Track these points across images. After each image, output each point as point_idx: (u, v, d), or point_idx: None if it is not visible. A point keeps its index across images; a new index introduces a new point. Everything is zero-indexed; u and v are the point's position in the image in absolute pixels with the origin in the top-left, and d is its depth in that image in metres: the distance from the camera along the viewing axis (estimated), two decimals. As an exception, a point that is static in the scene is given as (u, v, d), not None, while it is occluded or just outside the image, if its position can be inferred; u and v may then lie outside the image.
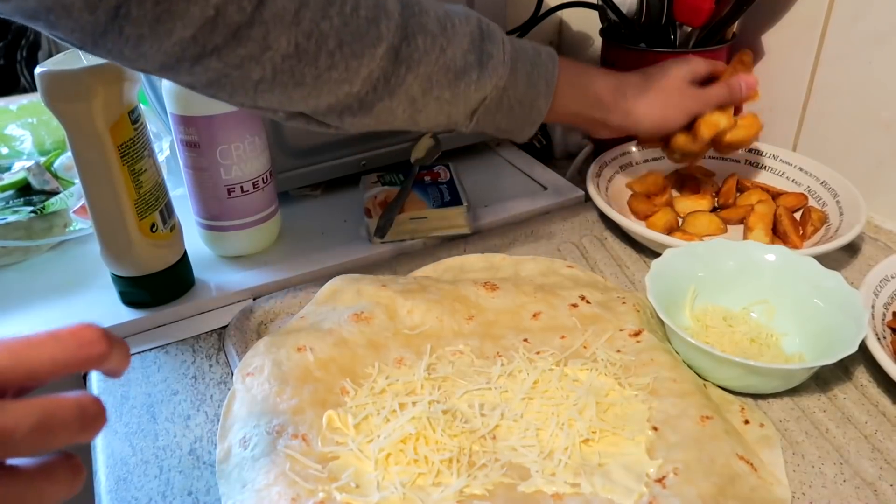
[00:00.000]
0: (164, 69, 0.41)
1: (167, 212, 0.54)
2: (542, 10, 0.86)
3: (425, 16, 0.46)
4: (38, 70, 0.47)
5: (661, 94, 0.58)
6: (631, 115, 0.57)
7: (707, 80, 0.61)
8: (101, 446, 0.44)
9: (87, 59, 0.48)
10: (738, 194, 0.68)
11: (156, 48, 0.39)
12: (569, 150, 0.82)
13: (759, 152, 0.71)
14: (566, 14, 1.00)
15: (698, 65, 0.61)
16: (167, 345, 0.53)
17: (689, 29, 0.70)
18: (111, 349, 0.27)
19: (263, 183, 0.60)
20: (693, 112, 0.59)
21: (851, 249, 0.62)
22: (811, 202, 0.65)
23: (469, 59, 0.48)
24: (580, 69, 0.56)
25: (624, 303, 0.52)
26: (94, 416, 0.26)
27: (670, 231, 0.62)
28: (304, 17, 0.41)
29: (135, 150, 0.50)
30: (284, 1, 0.40)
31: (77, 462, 0.27)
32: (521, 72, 0.51)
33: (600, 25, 0.78)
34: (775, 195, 0.66)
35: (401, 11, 0.45)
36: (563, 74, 0.53)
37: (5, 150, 0.77)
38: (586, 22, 0.97)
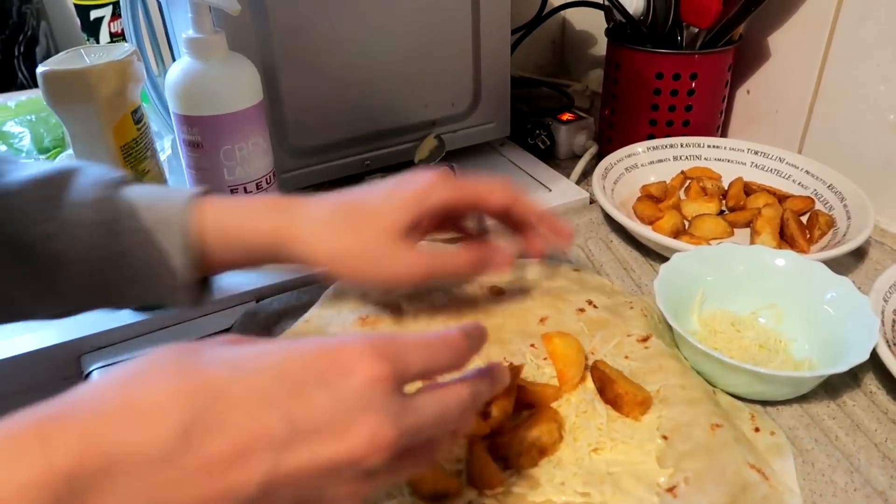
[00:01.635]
0: None
1: (170, 213, 0.54)
2: (547, 10, 0.86)
3: None
4: (39, 69, 0.46)
5: (349, 235, 0.43)
6: (306, 258, 0.43)
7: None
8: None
9: (89, 59, 0.47)
10: (746, 197, 0.67)
11: None
12: (574, 151, 0.81)
13: (765, 154, 0.70)
14: (570, 13, 1.00)
15: (431, 189, 0.44)
16: (170, 347, 0.52)
17: (696, 30, 0.70)
18: (471, 358, 0.31)
19: (267, 184, 0.59)
20: (396, 280, 0.44)
21: (858, 254, 0.61)
22: (818, 206, 0.64)
23: (43, 230, 0.40)
24: (230, 203, 0.44)
25: (631, 307, 0.51)
26: (470, 409, 0.30)
27: (677, 234, 0.61)
28: None
29: (138, 150, 0.50)
30: None
31: (435, 448, 0.30)
32: (128, 232, 0.41)
33: (604, 25, 0.78)
34: (782, 198, 0.65)
35: None
36: (203, 216, 0.42)
37: (3, 148, 0.76)
38: (590, 21, 0.97)
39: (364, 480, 0.26)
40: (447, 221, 0.50)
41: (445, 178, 0.45)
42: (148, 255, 0.40)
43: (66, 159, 0.42)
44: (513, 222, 0.48)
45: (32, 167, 0.41)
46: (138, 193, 0.41)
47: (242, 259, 0.44)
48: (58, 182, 0.40)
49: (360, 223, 0.43)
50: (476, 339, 0.31)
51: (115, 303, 0.43)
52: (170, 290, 0.41)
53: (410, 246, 0.43)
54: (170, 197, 0.42)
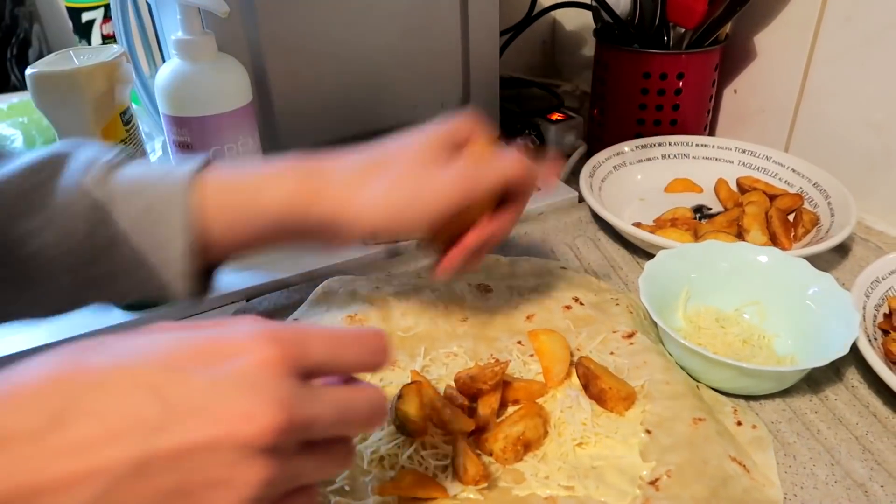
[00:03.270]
0: None
1: (160, 213, 0.54)
2: (536, 10, 0.86)
3: None
4: (28, 71, 0.47)
5: (382, 177, 0.40)
6: (340, 219, 0.39)
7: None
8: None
9: (78, 60, 0.48)
10: (740, 194, 0.68)
11: None
12: (563, 150, 0.82)
13: (752, 153, 0.71)
14: (560, 14, 1.01)
15: (447, 126, 0.42)
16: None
17: (683, 30, 0.71)
18: (388, 361, 0.29)
19: (256, 184, 0.59)
20: (430, 209, 0.39)
21: (842, 250, 0.62)
22: (804, 204, 0.65)
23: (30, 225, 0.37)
24: (237, 170, 0.40)
25: (617, 304, 0.52)
26: (379, 412, 0.28)
27: None
28: None
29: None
30: None
31: (352, 445, 0.29)
32: (126, 210, 0.37)
33: (594, 25, 0.78)
34: (772, 196, 0.66)
35: None
36: (208, 187, 0.38)
37: (-5, 150, 0.76)
38: (580, 22, 0.98)
39: (257, 468, 0.24)
40: None
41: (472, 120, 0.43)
42: (142, 244, 0.37)
43: (61, 142, 0.39)
44: None
45: (26, 156, 0.38)
46: (133, 174, 0.38)
47: (254, 237, 0.39)
48: (48, 169, 0.37)
49: (392, 161, 0.40)
50: (390, 345, 0.29)
51: (106, 298, 0.39)
52: (166, 283, 0.38)
53: (441, 168, 0.40)
54: (168, 175, 0.38)
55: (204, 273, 0.40)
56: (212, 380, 0.24)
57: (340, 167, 0.40)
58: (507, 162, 0.42)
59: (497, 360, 0.45)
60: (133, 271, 0.37)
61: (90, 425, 0.22)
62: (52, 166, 0.37)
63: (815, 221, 0.62)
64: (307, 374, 0.26)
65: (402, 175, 0.39)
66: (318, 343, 0.27)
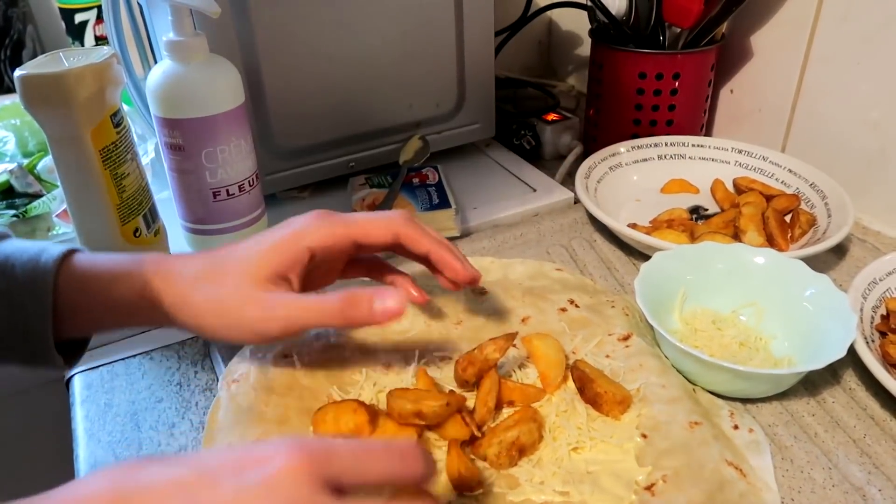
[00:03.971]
0: None
1: (151, 216, 0.54)
2: (532, 10, 0.86)
3: None
4: (17, 73, 0.46)
5: (214, 288, 0.40)
6: (179, 319, 0.41)
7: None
8: (84, 456, 0.44)
9: (67, 62, 0.47)
10: (737, 195, 0.68)
11: None
12: (559, 151, 0.81)
13: (749, 153, 0.71)
14: (556, 14, 1.00)
15: (308, 229, 0.42)
16: (152, 350, 0.52)
17: (679, 30, 0.70)
18: (428, 474, 0.29)
19: (250, 186, 0.59)
20: (262, 333, 0.40)
21: (840, 251, 0.62)
22: (801, 204, 0.65)
23: None
24: (96, 262, 0.42)
25: (613, 306, 0.52)
26: None
27: None
28: None
29: (117, 153, 0.49)
30: None
31: None
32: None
33: (589, 26, 0.78)
34: (769, 197, 0.66)
35: None
36: (67, 276, 0.40)
37: (-13, 152, 0.75)
38: (576, 22, 0.97)
39: None
40: (355, 265, 0.48)
41: (323, 219, 0.42)
42: (7, 319, 0.39)
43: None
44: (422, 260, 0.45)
45: None
46: (3, 252, 0.40)
47: (111, 320, 0.42)
48: None
49: (225, 273, 0.40)
50: (429, 461, 0.29)
51: None
52: (32, 354, 0.40)
53: (276, 290, 0.40)
54: (36, 257, 0.40)
55: (76, 341, 0.43)
56: (239, 485, 0.26)
57: (180, 267, 0.41)
58: (324, 309, 0.40)
59: (502, 342, 0.44)
60: (8, 346, 0.40)
61: None
62: None
63: (812, 222, 0.61)
64: (335, 484, 0.27)
65: (229, 289, 0.40)
66: (345, 452, 0.28)
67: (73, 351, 0.43)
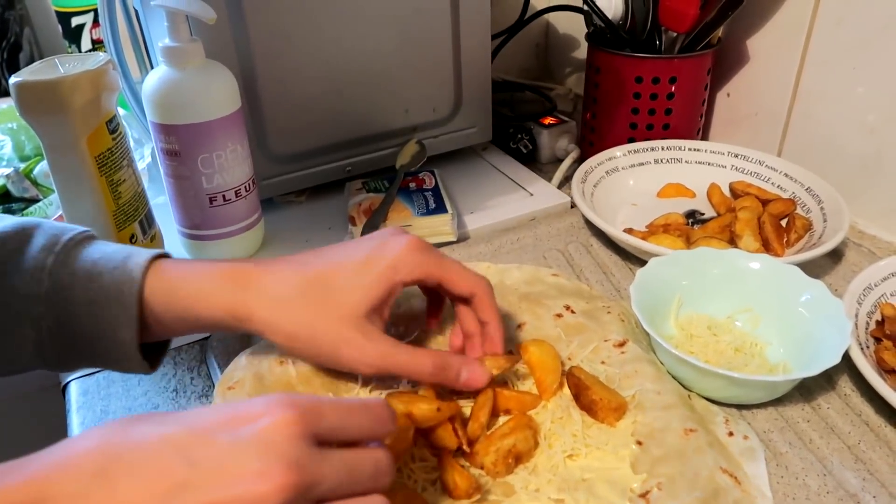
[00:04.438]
0: None
1: (147, 222, 0.54)
2: (529, 14, 0.86)
3: None
4: (12, 80, 0.46)
5: (308, 314, 0.40)
6: (265, 335, 0.41)
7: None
8: (80, 463, 0.44)
9: (63, 68, 0.47)
10: (733, 199, 0.68)
11: None
12: (556, 155, 0.81)
13: (745, 157, 0.71)
14: (553, 17, 1.00)
15: (401, 263, 0.41)
16: (148, 357, 0.52)
17: (675, 34, 0.70)
18: (393, 430, 0.32)
19: (246, 191, 0.59)
20: (350, 369, 0.41)
21: (836, 255, 0.62)
22: (797, 209, 0.65)
23: None
24: (183, 269, 0.41)
25: (609, 312, 0.52)
26: (384, 473, 0.30)
27: None
28: None
29: (113, 160, 0.49)
30: None
31: (376, 501, 0.30)
32: (80, 302, 0.39)
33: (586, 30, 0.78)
34: (765, 201, 0.66)
35: None
36: (155, 283, 0.40)
37: (-16, 156, 0.75)
38: (573, 25, 0.97)
39: None
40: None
41: (420, 253, 0.42)
42: (95, 326, 0.39)
43: (23, 219, 0.41)
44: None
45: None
46: (91, 258, 0.40)
47: (196, 328, 0.42)
48: (11, 245, 0.39)
49: (323, 302, 0.40)
50: (395, 419, 0.32)
51: (62, 367, 0.41)
52: (118, 360, 0.41)
53: (370, 332, 0.40)
54: (123, 264, 0.40)
55: (156, 345, 0.43)
56: (233, 441, 0.27)
57: (271, 285, 0.41)
58: (422, 369, 0.41)
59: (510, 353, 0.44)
60: (86, 349, 0.40)
61: (127, 481, 0.25)
62: (14, 242, 0.39)
63: (808, 227, 0.61)
64: (320, 439, 0.28)
65: (328, 319, 0.40)
66: (331, 410, 0.29)
67: (155, 351, 0.43)
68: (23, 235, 0.40)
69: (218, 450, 0.26)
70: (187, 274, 0.41)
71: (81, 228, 0.42)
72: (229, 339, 0.52)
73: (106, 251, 0.40)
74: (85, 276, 0.39)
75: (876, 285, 0.52)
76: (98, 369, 0.50)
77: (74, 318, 0.39)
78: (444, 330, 0.50)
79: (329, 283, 0.41)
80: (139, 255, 0.40)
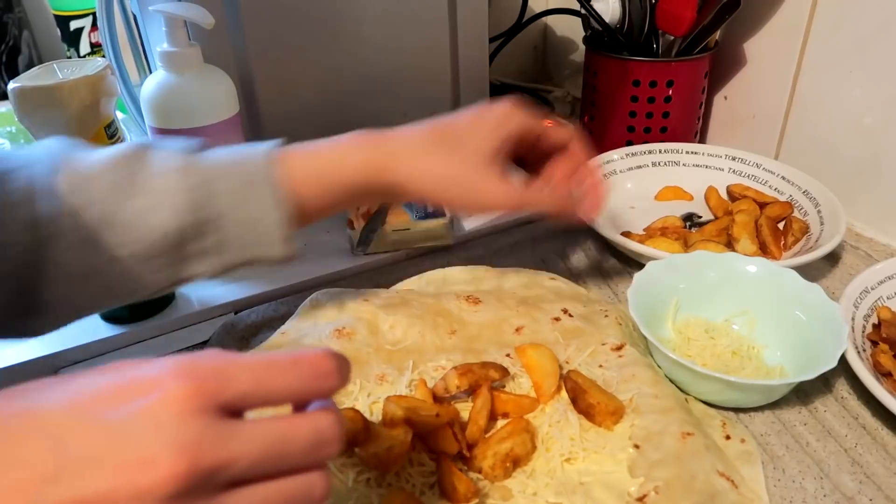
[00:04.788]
0: None
1: (146, 226, 0.54)
2: (527, 17, 0.86)
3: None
4: (10, 85, 0.46)
5: (446, 154, 0.44)
6: (404, 184, 0.44)
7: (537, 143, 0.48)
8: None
9: (62, 73, 0.47)
10: (730, 202, 0.68)
11: None
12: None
13: (742, 160, 0.71)
14: (550, 20, 1.01)
15: (510, 117, 0.45)
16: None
17: (672, 38, 0.71)
18: (343, 383, 0.26)
19: (244, 195, 0.59)
20: (490, 202, 0.45)
21: (832, 258, 0.62)
22: (794, 212, 0.65)
23: (135, 206, 0.40)
24: (315, 147, 0.44)
25: (606, 316, 0.52)
26: (328, 441, 0.25)
27: None
28: None
29: (112, 165, 0.49)
30: None
31: (314, 479, 0.25)
32: (224, 194, 0.41)
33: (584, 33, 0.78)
34: (763, 204, 0.66)
35: None
36: (293, 166, 0.42)
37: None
38: (571, 28, 0.98)
39: None
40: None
41: (521, 109, 0.46)
42: (246, 214, 0.41)
43: (134, 142, 0.41)
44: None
45: (100, 151, 0.41)
46: (220, 156, 0.42)
47: (337, 199, 0.44)
48: (135, 159, 0.40)
49: (454, 147, 0.44)
50: (345, 368, 0.27)
51: (208, 270, 0.42)
52: (267, 247, 0.42)
53: (500, 172, 0.44)
54: (252, 154, 0.42)
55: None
56: (114, 423, 0.22)
57: (406, 138, 0.44)
58: (551, 199, 0.47)
59: (503, 368, 0.45)
60: (236, 242, 0.41)
61: None
62: (138, 157, 0.40)
63: (805, 230, 0.62)
64: (232, 408, 0.24)
65: (465, 163, 0.44)
66: (242, 373, 0.24)
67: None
68: (141, 151, 0.40)
69: (95, 433, 0.22)
70: (319, 149, 0.43)
71: (197, 139, 0.43)
72: (228, 344, 0.52)
73: (230, 149, 0.42)
74: (218, 173, 0.41)
75: (872, 288, 0.52)
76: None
77: (221, 211, 0.40)
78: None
79: (455, 132, 0.45)
80: (263, 145, 0.42)
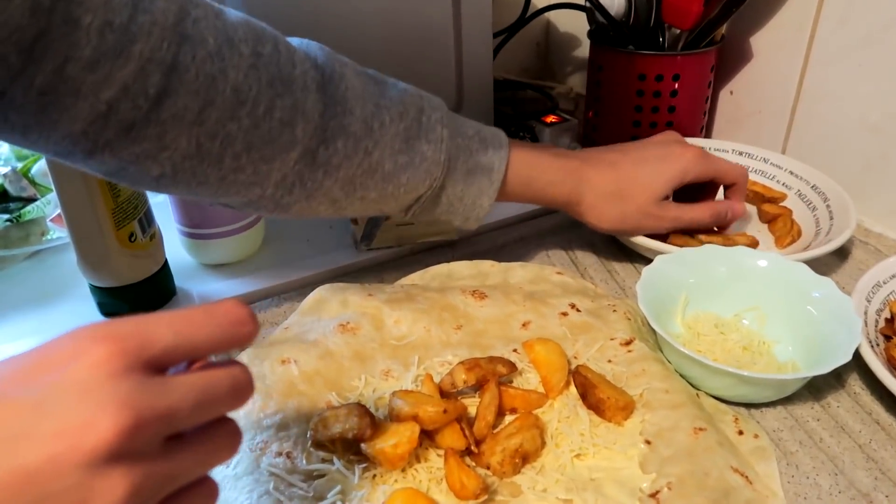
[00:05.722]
0: (58, 157, 0.39)
1: (147, 220, 0.53)
2: (530, 12, 0.85)
3: (349, 116, 0.44)
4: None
5: (620, 204, 0.54)
6: (585, 217, 0.55)
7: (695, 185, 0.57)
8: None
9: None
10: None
11: (44, 139, 0.36)
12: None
13: (749, 155, 0.70)
14: (553, 15, 1.00)
15: (689, 170, 0.55)
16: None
17: (678, 31, 0.70)
18: (257, 329, 0.27)
19: (246, 189, 0.58)
20: (651, 231, 0.57)
21: (842, 253, 0.61)
22: (801, 206, 0.64)
23: (399, 161, 0.46)
24: (533, 160, 0.52)
25: (615, 311, 0.51)
26: (245, 387, 0.27)
27: None
28: (209, 118, 0.39)
29: (112, 157, 0.49)
30: (187, 99, 0.38)
31: (234, 426, 0.28)
32: (460, 171, 0.49)
33: (588, 27, 0.78)
34: (765, 199, 0.65)
35: (321, 112, 0.43)
36: (513, 167, 0.51)
37: (-20, 157, 0.75)
38: (574, 23, 0.97)
39: (116, 478, 0.22)
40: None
41: (702, 160, 0.56)
42: (464, 191, 0.50)
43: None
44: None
45: (394, 89, 0.48)
46: (466, 132, 0.50)
47: (527, 201, 0.54)
48: (416, 118, 0.47)
49: (632, 196, 0.54)
50: (254, 317, 0.28)
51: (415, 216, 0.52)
52: (462, 221, 0.52)
53: (664, 205, 0.55)
54: (489, 142, 0.50)
55: None
56: (39, 396, 0.22)
57: (595, 184, 0.54)
58: (700, 216, 0.58)
59: (510, 363, 0.44)
60: (444, 204, 0.50)
61: None
62: (417, 114, 0.47)
63: (798, 234, 0.62)
64: (157, 365, 0.24)
65: (639, 211, 0.55)
66: (161, 329, 0.25)
67: None
68: (420, 108, 0.48)
69: (17, 410, 0.22)
70: (538, 163, 0.52)
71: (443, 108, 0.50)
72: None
73: (474, 125, 0.51)
74: (466, 150, 0.49)
75: (885, 282, 0.51)
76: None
77: (445, 190, 0.49)
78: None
79: (636, 182, 0.54)
80: (500, 139, 0.51)
